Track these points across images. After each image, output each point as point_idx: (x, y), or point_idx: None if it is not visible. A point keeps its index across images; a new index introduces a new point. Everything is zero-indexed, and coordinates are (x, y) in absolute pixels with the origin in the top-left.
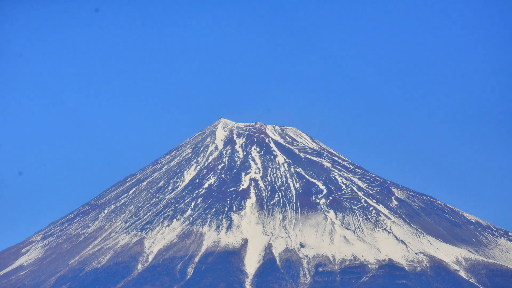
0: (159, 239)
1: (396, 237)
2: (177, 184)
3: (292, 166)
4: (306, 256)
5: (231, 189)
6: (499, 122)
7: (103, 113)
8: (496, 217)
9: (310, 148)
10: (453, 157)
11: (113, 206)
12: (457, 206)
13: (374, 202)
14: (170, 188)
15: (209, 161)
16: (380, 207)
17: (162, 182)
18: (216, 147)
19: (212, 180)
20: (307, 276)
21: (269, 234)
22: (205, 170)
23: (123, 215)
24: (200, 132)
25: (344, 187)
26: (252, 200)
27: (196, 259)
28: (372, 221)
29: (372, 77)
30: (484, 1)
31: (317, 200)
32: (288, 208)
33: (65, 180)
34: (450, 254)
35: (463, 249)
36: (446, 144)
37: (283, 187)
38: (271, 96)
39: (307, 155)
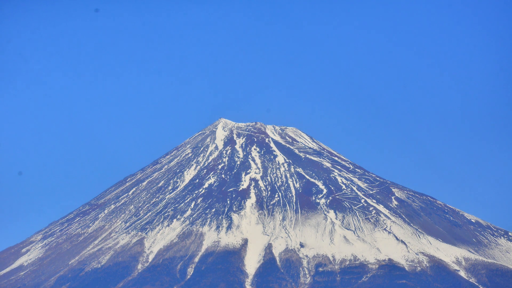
0: (159, 239)
1: (396, 237)
2: (177, 184)
3: (292, 166)
4: (306, 256)
5: (231, 189)
6: (499, 122)
7: (103, 113)
8: (496, 217)
9: (310, 148)
10: (453, 157)
11: (113, 206)
12: (457, 206)
13: (374, 202)
14: (170, 188)
15: (209, 161)
16: (380, 207)
17: (162, 182)
18: (216, 147)
19: (212, 180)
20: (307, 276)
21: (269, 234)
22: (205, 170)
23: (123, 215)
24: (200, 132)
25: (344, 187)
26: (252, 200)
27: (196, 259)
28: (372, 221)
29: (372, 77)
30: (484, 1)
31: (317, 200)
32: (288, 208)
33: (65, 180)
34: (450, 254)
35: (463, 249)
36: (446, 144)
37: (283, 187)
38: (271, 96)
39: (307, 155)
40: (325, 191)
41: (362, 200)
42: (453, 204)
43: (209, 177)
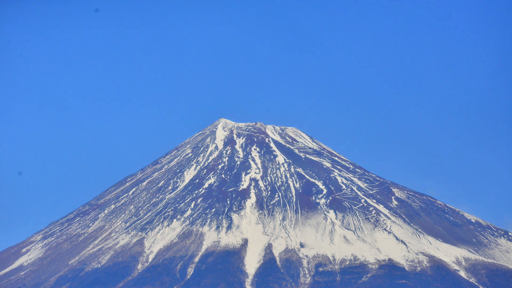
0: (159, 239)
1: (396, 237)
2: (177, 184)
3: (292, 166)
4: (306, 256)
5: (231, 189)
6: (499, 122)
7: (103, 113)
8: (496, 217)
9: (310, 148)
10: (453, 157)
11: (113, 206)
12: (457, 206)
13: (374, 202)
14: (170, 188)
15: (209, 161)
16: (380, 207)
17: (162, 182)
18: (216, 147)
19: (212, 180)
20: (307, 276)
21: (269, 234)
22: (205, 170)
23: (123, 215)
24: (200, 132)
25: (344, 187)
26: (252, 200)
27: (196, 259)
28: (372, 221)
29: (372, 77)
30: (484, 1)
31: (317, 200)
32: (288, 208)
33: (65, 180)
34: (450, 254)
35: (463, 249)
36: (446, 144)
37: (283, 187)
38: (271, 96)
39: (307, 155)
40: (325, 191)
41: (362, 200)
42: (453, 204)
43: (209, 177)
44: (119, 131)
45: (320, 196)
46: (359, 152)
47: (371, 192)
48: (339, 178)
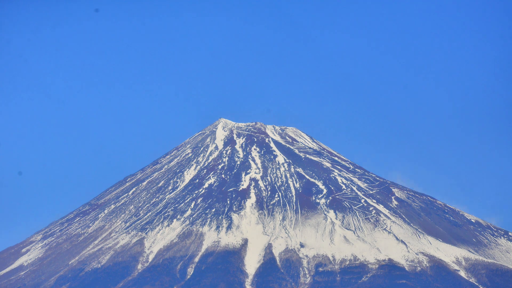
0: (159, 239)
1: (396, 237)
2: (177, 184)
3: (292, 166)
4: (306, 256)
5: (231, 189)
6: (499, 122)
7: (103, 113)
8: (496, 217)
9: (310, 148)
10: (452, 157)
11: (113, 206)
12: (457, 206)
13: (374, 202)
14: (170, 188)
15: (209, 161)
16: (380, 207)
17: (162, 182)
18: (216, 147)
19: (212, 180)
20: (307, 276)
21: (269, 234)
22: (205, 170)
23: (123, 215)
24: (200, 132)
25: (344, 187)
26: (252, 200)
27: (196, 259)
28: (372, 221)
29: (372, 76)
30: (484, 1)
31: (317, 200)
32: (288, 208)
33: (65, 180)
34: (450, 254)
35: (463, 249)
36: (446, 144)
37: (283, 187)
38: (271, 96)
39: (307, 155)
40: (325, 191)
41: (362, 200)
42: (453, 204)
43: (209, 177)
44: (119, 130)
45: (320, 196)
46: (359, 152)
47: (371, 192)
48: (339, 178)
